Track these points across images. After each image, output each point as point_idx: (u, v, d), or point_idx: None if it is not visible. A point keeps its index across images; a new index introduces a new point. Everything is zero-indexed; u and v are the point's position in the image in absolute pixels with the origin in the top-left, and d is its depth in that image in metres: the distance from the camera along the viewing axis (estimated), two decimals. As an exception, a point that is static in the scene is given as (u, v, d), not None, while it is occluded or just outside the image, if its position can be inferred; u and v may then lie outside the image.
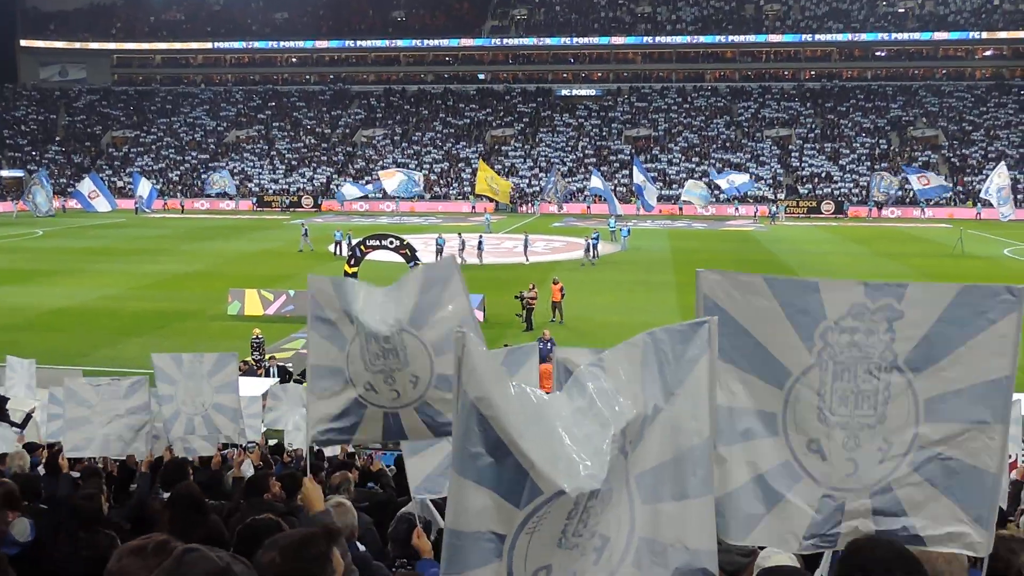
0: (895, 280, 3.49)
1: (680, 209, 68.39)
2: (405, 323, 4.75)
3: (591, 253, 41.03)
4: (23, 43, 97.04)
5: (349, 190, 66.09)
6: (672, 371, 3.12)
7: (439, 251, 40.53)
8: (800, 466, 3.44)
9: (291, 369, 22.39)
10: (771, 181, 73.89)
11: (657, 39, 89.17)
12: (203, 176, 74.46)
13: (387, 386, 4.79)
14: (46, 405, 13.22)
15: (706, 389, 3.10)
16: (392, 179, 62.69)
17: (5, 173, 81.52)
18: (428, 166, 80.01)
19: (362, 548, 5.23)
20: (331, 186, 77.08)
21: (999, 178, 50.58)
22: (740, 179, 62.23)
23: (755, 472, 3.43)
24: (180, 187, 79.28)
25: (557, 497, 2.60)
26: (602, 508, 2.80)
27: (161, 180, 78.08)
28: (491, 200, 64.04)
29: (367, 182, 71.00)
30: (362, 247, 30.98)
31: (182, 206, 72.98)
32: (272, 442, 15.41)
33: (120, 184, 79.09)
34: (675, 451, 3.04)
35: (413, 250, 31.09)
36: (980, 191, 57.52)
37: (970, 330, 3.33)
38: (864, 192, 69.61)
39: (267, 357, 22.80)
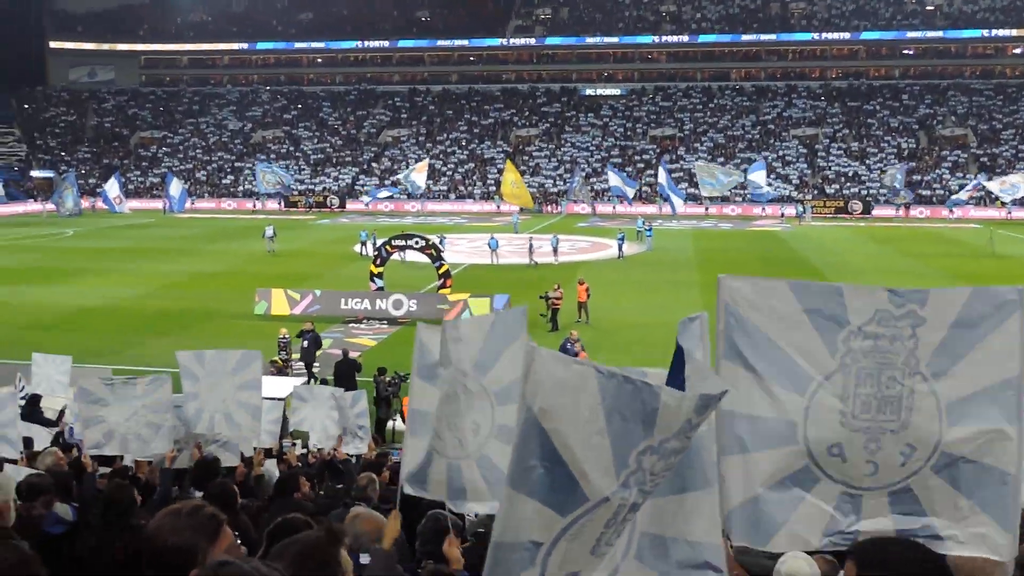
0: (917, 278, 3.52)
1: (706, 210, 68.14)
2: (469, 368, 4.70)
3: (532, 256, 40.74)
4: (52, 44, 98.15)
5: (379, 192, 65.62)
6: (679, 363, 3.16)
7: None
8: (820, 470, 3.43)
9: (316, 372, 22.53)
10: (798, 181, 73.44)
11: (682, 38, 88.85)
12: (258, 165, 74.10)
13: (451, 433, 4.75)
14: (74, 404, 13.33)
15: (716, 378, 3.10)
16: (422, 173, 62.99)
17: (36, 174, 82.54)
18: (453, 166, 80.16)
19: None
20: (355, 186, 77.46)
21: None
22: (759, 176, 61.24)
23: (774, 480, 3.42)
24: (221, 187, 79.86)
25: (601, 504, 2.64)
26: (633, 518, 2.81)
27: (189, 180, 78.67)
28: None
29: (392, 183, 70.70)
30: (388, 247, 31.10)
31: (254, 206, 72.24)
32: (297, 443, 15.47)
33: (148, 184, 79.97)
34: None
35: (439, 250, 31.18)
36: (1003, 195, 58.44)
37: (981, 332, 3.34)
38: (890, 192, 69.08)
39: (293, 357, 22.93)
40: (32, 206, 72.76)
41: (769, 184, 63.44)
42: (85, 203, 64.46)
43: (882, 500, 3.41)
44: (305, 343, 22.64)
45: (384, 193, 65.69)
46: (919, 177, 70.14)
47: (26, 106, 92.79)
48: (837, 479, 3.42)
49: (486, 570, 2.73)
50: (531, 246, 41.49)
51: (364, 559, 4.74)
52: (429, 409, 4.88)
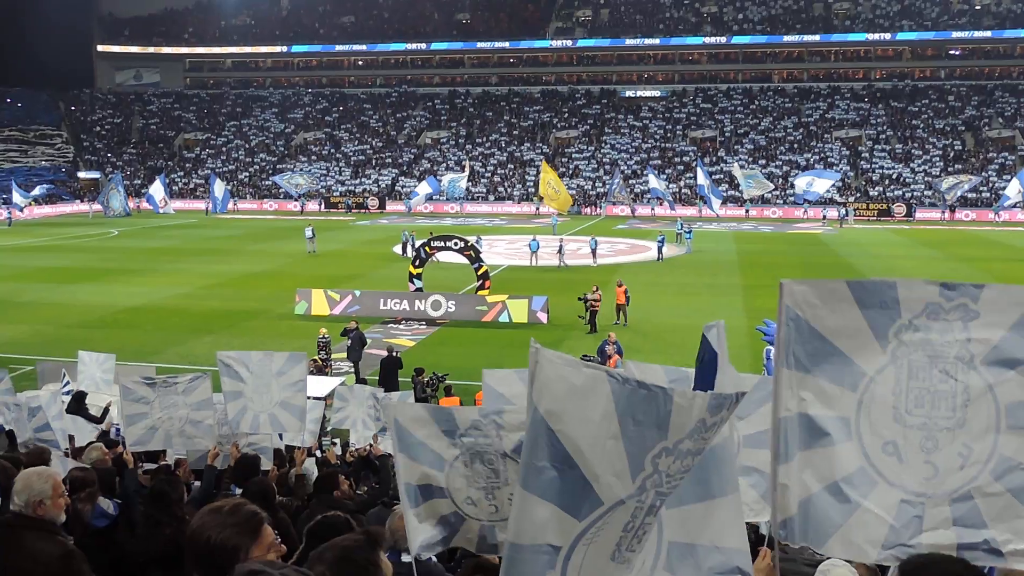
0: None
1: (747, 212, 67.62)
2: (508, 451, 4.76)
3: (562, 257, 40.94)
4: (99, 48, 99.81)
5: (423, 188, 62.92)
6: (703, 369, 3.17)
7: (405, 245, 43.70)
8: (876, 471, 3.35)
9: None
10: (840, 183, 72.52)
11: (723, 39, 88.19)
12: (273, 178, 75.21)
13: (487, 501, 4.80)
14: (118, 401, 13.51)
15: (742, 379, 3.07)
16: (465, 180, 62.94)
17: (83, 175, 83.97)
18: (492, 168, 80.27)
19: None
20: (395, 188, 77.84)
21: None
22: (822, 184, 60.47)
23: (829, 480, 3.35)
24: (263, 188, 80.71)
25: (617, 507, 2.65)
26: (654, 523, 2.82)
27: (231, 181, 79.52)
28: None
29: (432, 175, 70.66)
30: (427, 248, 31.21)
31: (302, 208, 72.40)
32: (336, 441, 15.56)
33: (192, 185, 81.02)
34: None
35: (477, 251, 31.22)
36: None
37: None
38: (936, 194, 68.18)
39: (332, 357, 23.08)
40: (79, 206, 74.03)
41: (828, 193, 62.95)
42: (131, 204, 65.45)
43: (944, 511, 3.31)
44: (349, 342, 22.83)
45: (422, 190, 63.91)
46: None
47: (73, 108, 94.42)
48: (894, 483, 3.33)
49: (503, 570, 2.75)
50: (561, 248, 41.49)
51: (406, 558, 4.75)
52: (423, 482, 4.86)
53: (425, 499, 4.86)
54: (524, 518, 2.69)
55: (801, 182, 57.73)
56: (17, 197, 64.13)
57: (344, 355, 23.33)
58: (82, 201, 75.48)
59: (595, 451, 2.62)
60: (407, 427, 4.87)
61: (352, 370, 22.82)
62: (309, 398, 13.69)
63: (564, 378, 2.64)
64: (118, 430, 12.73)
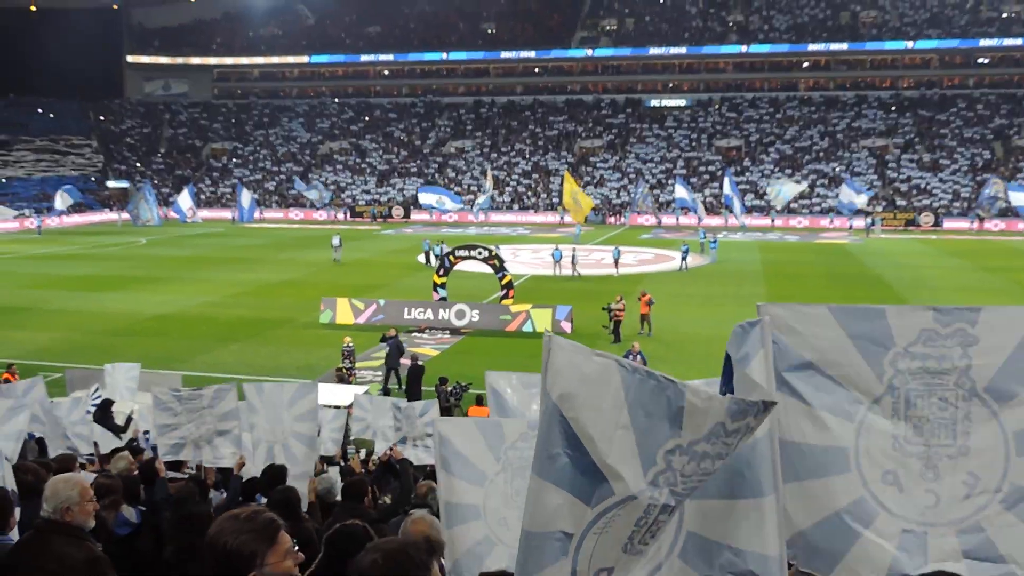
0: (995, 294, 3.36)
1: (772, 221, 67.29)
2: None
3: (575, 267, 41.04)
4: (129, 59, 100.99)
5: (425, 198, 60.77)
6: (728, 371, 3.14)
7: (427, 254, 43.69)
8: (876, 501, 3.28)
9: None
10: (868, 193, 72.03)
11: (749, 48, 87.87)
12: (293, 190, 76.42)
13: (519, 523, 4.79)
14: (143, 410, 13.65)
15: (763, 387, 3.05)
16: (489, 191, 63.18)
17: (112, 184, 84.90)
18: (517, 178, 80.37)
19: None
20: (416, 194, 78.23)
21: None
22: (860, 199, 60.54)
23: (829, 510, 3.30)
24: (288, 197, 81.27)
25: (628, 501, 2.66)
26: (670, 519, 2.83)
27: (258, 190, 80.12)
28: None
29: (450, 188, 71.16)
30: (451, 257, 31.32)
31: (333, 216, 75.02)
32: (362, 450, 15.61)
33: (219, 194, 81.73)
34: None
35: (502, 260, 31.28)
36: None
37: None
38: (966, 204, 67.44)
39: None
40: (108, 215, 74.86)
41: (868, 207, 63.33)
42: (159, 212, 66.15)
43: (951, 541, 3.23)
44: (388, 349, 22.97)
45: (426, 199, 62.33)
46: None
47: (103, 118, 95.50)
48: (896, 513, 3.27)
49: (518, 559, 2.80)
50: (574, 258, 41.52)
51: None
52: (459, 500, 4.83)
53: (458, 522, 4.83)
54: (537, 505, 2.74)
55: (856, 199, 58.29)
56: (59, 203, 65.26)
57: (368, 364, 23.46)
58: (111, 210, 76.33)
59: (605, 440, 2.64)
60: (452, 441, 4.87)
61: (381, 379, 22.92)
62: (332, 407, 13.78)
63: (576, 365, 2.67)
64: (147, 438, 12.89)
